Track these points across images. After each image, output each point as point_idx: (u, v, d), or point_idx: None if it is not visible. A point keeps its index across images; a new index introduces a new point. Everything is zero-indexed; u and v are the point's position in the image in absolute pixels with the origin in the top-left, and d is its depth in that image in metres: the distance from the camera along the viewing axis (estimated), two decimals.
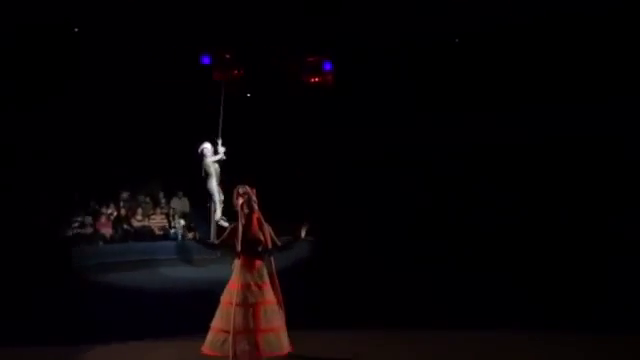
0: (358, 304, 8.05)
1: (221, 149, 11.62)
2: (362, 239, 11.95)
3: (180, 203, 13.93)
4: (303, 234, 5.34)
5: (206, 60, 12.61)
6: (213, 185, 11.65)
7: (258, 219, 5.31)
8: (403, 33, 12.35)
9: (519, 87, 12.52)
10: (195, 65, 12.44)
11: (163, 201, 13.91)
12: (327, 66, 13.43)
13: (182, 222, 13.52)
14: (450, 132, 13.00)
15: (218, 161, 11.64)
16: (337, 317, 7.01)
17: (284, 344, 5.20)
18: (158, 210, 13.74)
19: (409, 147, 13.31)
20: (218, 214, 11.64)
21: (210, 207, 12.08)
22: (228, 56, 12.85)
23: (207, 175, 11.62)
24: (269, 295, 5.21)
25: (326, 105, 13.37)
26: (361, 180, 13.18)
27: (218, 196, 11.58)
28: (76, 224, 12.57)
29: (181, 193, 13.96)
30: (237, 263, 5.26)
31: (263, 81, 13.21)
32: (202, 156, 11.62)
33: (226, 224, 11.42)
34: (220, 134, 11.59)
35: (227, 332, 5.02)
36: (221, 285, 5.44)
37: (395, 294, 8.75)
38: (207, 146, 11.66)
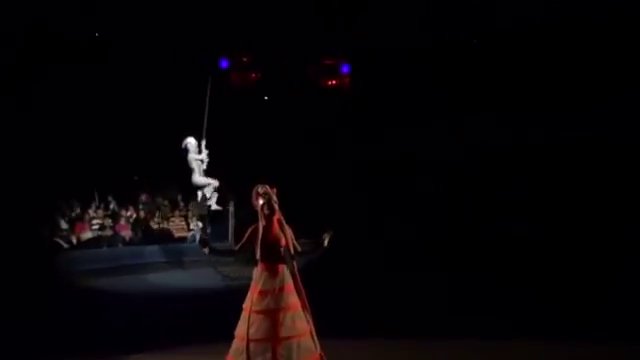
0: (366, 310, 7.95)
1: (204, 151, 11.77)
2: (377, 243, 11.88)
3: (198, 206, 13.98)
4: (326, 242, 5.02)
5: (224, 63, 12.68)
6: (197, 179, 11.79)
7: (279, 221, 4.99)
8: (420, 35, 12.31)
9: (539, 88, 12.39)
10: (214, 69, 12.48)
11: (182, 204, 14.01)
12: (344, 69, 13.42)
13: (200, 224, 13.59)
14: (469, 134, 12.90)
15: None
16: (341, 323, 6.69)
17: (312, 349, 4.84)
18: (177, 213, 13.84)
19: (427, 150, 13.23)
20: (213, 201, 11.96)
21: (228, 210, 12.10)
22: (246, 59, 12.90)
23: (191, 170, 11.80)
24: (292, 299, 4.86)
25: (343, 108, 13.34)
26: (378, 183, 13.13)
27: (209, 186, 11.82)
28: (96, 226, 12.70)
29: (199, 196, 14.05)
30: (257, 267, 4.95)
31: (280, 84, 13.25)
32: (186, 151, 11.74)
33: (219, 208, 12.08)
34: (204, 135, 11.65)
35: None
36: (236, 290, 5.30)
37: (405, 300, 8.60)
38: (191, 141, 11.75)
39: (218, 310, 7.52)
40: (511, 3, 11.40)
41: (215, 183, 12.04)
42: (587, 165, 12.04)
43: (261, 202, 4.95)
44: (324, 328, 4.96)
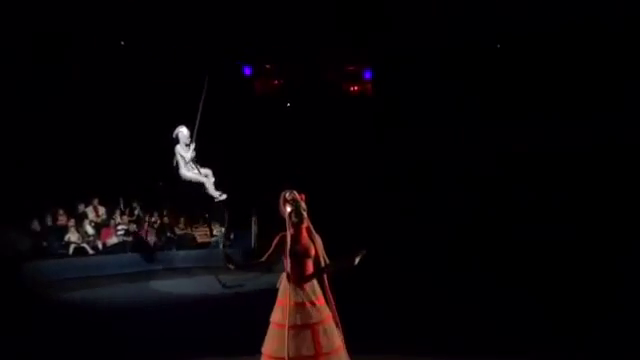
0: (393, 324, 7.59)
1: (192, 146, 10.92)
2: (399, 250, 11.80)
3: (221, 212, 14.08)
4: (357, 261, 4.57)
5: (248, 71, 12.77)
6: (185, 172, 10.97)
7: (308, 229, 4.66)
8: (443, 40, 12.27)
9: (564, 92, 12.26)
10: (238, 77, 12.53)
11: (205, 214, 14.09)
12: (367, 75, 13.43)
13: (223, 230, 13.68)
14: (492, 140, 12.81)
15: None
16: (368, 338, 6.18)
17: None
18: (200, 219, 13.93)
19: (450, 155, 13.15)
20: (212, 191, 11.18)
21: (252, 219, 11.92)
22: (269, 67, 12.98)
23: (177, 163, 10.98)
24: (326, 311, 4.54)
25: (365, 114, 13.34)
26: (401, 189, 13.08)
27: (201, 176, 11.05)
28: (121, 231, 12.86)
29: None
30: (284, 277, 4.61)
31: (303, 91, 13.30)
32: (176, 140, 10.91)
33: (224, 196, 11.32)
34: (196, 130, 10.82)
35: (281, 359, 4.39)
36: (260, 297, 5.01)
37: (432, 314, 8.19)
38: (183, 131, 10.90)
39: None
40: (534, 7, 11.29)
41: (208, 173, 11.17)
42: (613, 170, 11.87)
43: (289, 209, 4.63)
44: (352, 343, 4.68)
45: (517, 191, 12.76)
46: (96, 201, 13.05)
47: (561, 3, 11.14)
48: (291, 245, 4.56)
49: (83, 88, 12.30)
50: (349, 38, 12.61)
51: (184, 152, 10.85)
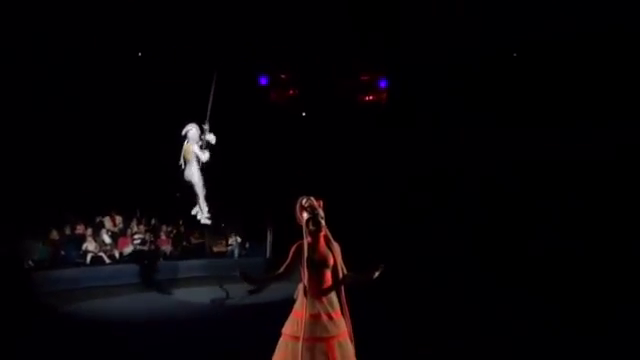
0: (411, 336, 7.59)
1: (210, 136, 10.21)
2: (416, 258, 11.75)
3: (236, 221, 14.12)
4: (376, 275, 4.36)
5: (264, 80, 12.82)
6: (193, 172, 10.21)
7: (326, 237, 4.43)
8: (458, 48, 12.24)
9: (580, 101, 12.14)
10: (253, 86, 12.55)
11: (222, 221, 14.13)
12: (382, 84, 13.43)
13: (239, 239, 13.71)
14: (508, 148, 12.71)
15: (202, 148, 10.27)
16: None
17: None
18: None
19: (465, 164, 13.08)
20: (199, 210, 10.43)
21: (267, 228, 11.74)
22: (284, 76, 13.02)
23: (185, 162, 10.24)
24: (343, 326, 4.31)
25: (380, 123, 13.33)
26: (416, 197, 13.03)
27: (201, 189, 10.33)
28: (138, 240, 12.94)
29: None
30: (301, 288, 4.38)
31: (318, 100, 13.31)
32: (184, 139, 10.23)
33: (208, 221, 10.55)
34: (208, 118, 10.17)
35: None
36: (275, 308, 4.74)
37: (451, 325, 8.15)
38: (193, 130, 10.23)
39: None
40: (550, 14, 11.22)
41: (204, 191, 10.48)
42: (632, 178, 11.72)
43: (306, 216, 4.39)
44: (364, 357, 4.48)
45: (534, 199, 12.66)
46: (113, 211, 13.17)
47: (577, 10, 11.05)
48: (308, 254, 4.34)
49: (103, 100, 12.44)
50: (364, 47, 12.61)
51: (200, 153, 10.34)
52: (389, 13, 11.92)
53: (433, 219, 12.67)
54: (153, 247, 12.87)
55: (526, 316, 8.58)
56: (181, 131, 10.32)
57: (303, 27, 11.86)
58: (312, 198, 4.46)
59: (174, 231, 13.62)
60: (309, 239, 4.39)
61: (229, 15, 11.39)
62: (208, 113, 10.13)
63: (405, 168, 13.26)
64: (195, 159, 10.25)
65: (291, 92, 13.13)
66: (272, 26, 11.71)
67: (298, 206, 4.47)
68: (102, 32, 11.49)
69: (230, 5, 11.18)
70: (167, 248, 13.16)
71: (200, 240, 13.49)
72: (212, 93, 10.14)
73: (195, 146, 10.22)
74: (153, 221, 13.48)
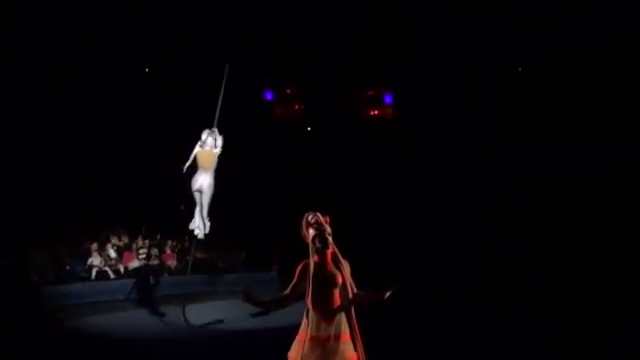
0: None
1: (219, 139, 9.63)
2: (423, 274, 11.66)
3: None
4: (387, 295, 4.14)
5: (269, 95, 12.85)
6: (206, 181, 9.55)
7: (333, 255, 4.20)
8: (463, 64, 12.27)
9: (586, 117, 12.12)
10: (259, 103, 12.56)
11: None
12: (387, 99, 13.45)
13: (243, 255, 13.67)
14: (515, 164, 12.68)
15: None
16: None
17: None
18: (220, 242, 13.91)
19: (471, 179, 13.05)
20: (198, 225, 9.77)
21: (272, 245, 11.51)
22: (289, 91, 13.06)
23: (197, 168, 9.55)
24: (348, 352, 4.04)
25: (386, 137, 13.33)
26: (423, 213, 12.98)
27: (208, 200, 9.67)
28: (143, 255, 12.90)
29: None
30: (307, 310, 4.15)
31: (323, 114, 13.34)
32: (202, 143, 9.58)
33: (201, 236, 9.92)
34: (216, 123, 9.69)
35: None
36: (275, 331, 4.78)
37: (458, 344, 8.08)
38: (210, 137, 9.64)
39: None
40: (555, 30, 11.25)
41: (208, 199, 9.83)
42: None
43: (312, 233, 4.17)
44: None
45: (542, 215, 12.60)
46: (118, 225, 13.16)
47: (581, 26, 11.09)
48: (315, 272, 4.11)
49: (107, 115, 12.49)
50: (370, 62, 12.66)
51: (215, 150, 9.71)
52: (395, 28, 11.98)
53: (438, 234, 12.61)
54: (158, 262, 12.83)
55: (536, 336, 8.50)
56: (184, 142, 9.97)
57: (308, 41, 11.92)
58: (318, 214, 4.25)
59: (179, 246, 13.59)
60: (316, 257, 4.18)
61: (235, 30, 11.47)
62: (217, 113, 9.61)
63: (411, 183, 13.23)
64: (214, 168, 9.62)
65: (296, 107, 13.16)
66: (277, 41, 11.77)
67: (304, 222, 4.27)
68: (108, 50, 11.57)
69: (236, 20, 11.23)
70: (172, 263, 13.11)
71: (205, 255, 13.46)
72: (222, 91, 9.62)
73: (215, 151, 9.60)
74: (158, 235, 13.46)
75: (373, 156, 13.25)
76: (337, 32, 11.85)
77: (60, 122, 11.99)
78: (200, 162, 9.64)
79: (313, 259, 4.18)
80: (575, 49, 11.58)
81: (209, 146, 9.59)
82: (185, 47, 11.75)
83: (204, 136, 9.68)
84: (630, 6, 10.51)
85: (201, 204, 9.78)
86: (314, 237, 4.19)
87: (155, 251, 13.03)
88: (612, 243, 11.64)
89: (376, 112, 13.48)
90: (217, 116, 9.67)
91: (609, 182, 12.00)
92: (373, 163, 13.27)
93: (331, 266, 4.20)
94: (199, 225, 9.90)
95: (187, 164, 9.65)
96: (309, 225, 4.23)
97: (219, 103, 9.66)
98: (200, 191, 9.72)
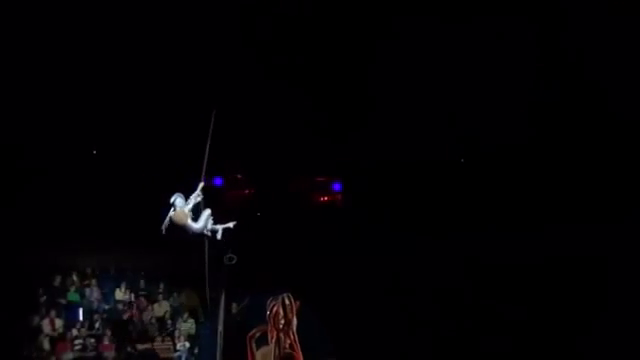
0: None
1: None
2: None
3: (186, 325, 13.55)
4: None
5: (218, 181, 12.86)
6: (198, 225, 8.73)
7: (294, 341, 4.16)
8: (410, 154, 12.73)
9: (523, 207, 12.67)
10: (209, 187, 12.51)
11: (169, 322, 13.55)
12: (336, 186, 13.70)
13: (187, 344, 13.11)
14: (461, 252, 12.96)
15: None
16: None
17: None
18: (163, 332, 13.36)
19: (418, 267, 13.21)
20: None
21: (218, 332, 11.22)
22: (240, 176, 13.11)
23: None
24: None
25: (336, 224, 13.43)
26: (371, 300, 12.92)
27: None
28: (78, 346, 12.18)
29: (186, 315, 13.62)
30: None
31: (273, 200, 13.39)
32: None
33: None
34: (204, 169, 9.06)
35: None
36: None
37: None
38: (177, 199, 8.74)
39: None
40: (498, 123, 11.93)
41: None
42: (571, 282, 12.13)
43: (279, 312, 4.10)
44: None
45: (484, 302, 12.80)
46: (53, 313, 12.44)
47: (520, 123, 11.83)
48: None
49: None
50: (318, 149, 12.95)
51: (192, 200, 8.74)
52: (342, 118, 12.41)
53: (390, 322, 12.53)
54: (95, 353, 12.14)
55: None
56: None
57: (258, 128, 12.13)
58: (288, 297, 4.21)
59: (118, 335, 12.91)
60: (273, 337, 4.08)
61: (183, 117, 11.59)
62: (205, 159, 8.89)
63: (360, 270, 13.23)
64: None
65: (247, 192, 13.19)
66: (227, 128, 11.90)
67: (270, 305, 4.21)
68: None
69: (185, 110, 11.38)
70: (110, 354, 12.40)
71: (147, 345, 12.80)
72: (209, 136, 8.89)
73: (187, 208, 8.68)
74: (97, 324, 12.78)
75: (324, 241, 13.26)
76: (286, 119, 12.15)
77: None
78: (177, 223, 8.79)
79: (272, 340, 4.10)
80: (513, 144, 12.29)
81: (179, 207, 8.80)
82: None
83: (172, 199, 8.87)
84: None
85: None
86: (276, 316, 4.11)
87: (92, 341, 12.34)
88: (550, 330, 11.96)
89: (326, 198, 13.66)
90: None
91: (540, 269, 12.45)
92: (324, 248, 13.27)
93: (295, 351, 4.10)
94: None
95: (164, 225, 8.75)
96: (276, 310, 4.17)
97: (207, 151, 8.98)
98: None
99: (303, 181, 13.66)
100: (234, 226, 8.73)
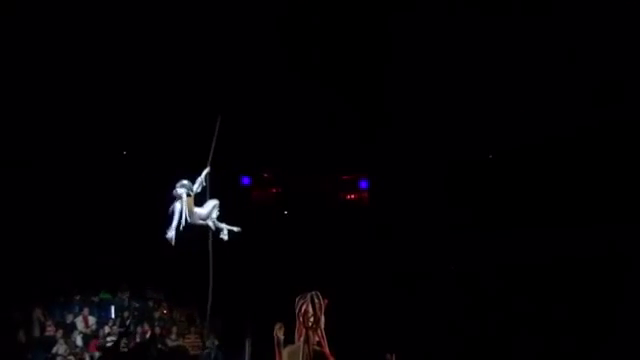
0: None
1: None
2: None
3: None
4: None
5: (246, 180, 12.93)
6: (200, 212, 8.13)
7: (322, 339, 4.13)
8: (438, 151, 12.64)
9: (561, 204, 12.48)
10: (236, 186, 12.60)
11: (198, 320, 13.71)
12: (363, 184, 13.67)
13: (216, 342, 13.23)
14: (490, 251, 12.83)
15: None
16: None
17: None
18: (192, 329, 13.51)
19: (444, 265, 13.12)
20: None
21: (245, 340, 11.17)
22: (266, 175, 13.18)
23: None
24: None
25: (362, 222, 13.41)
26: (400, 299, 12.88)
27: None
28: (110, 343, 12.37)
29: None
30: None
31: (300, 198, 13.42)
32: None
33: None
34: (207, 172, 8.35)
35: None
36: None
37: None
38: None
39: None
40: (525, 119, 11.76)
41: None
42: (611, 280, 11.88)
43: (308, 310, 4.06)
44: None
45: (517, 303, 12.64)
46: (86, 311, 12.68)
47: (553, 115, 11.65)
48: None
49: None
50: (345, 148, 12.93)
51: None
52: (370, 116, 12.37)
53: (414, 319, 12.47)
54: (126, 350, 12.29)
55: None
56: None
57: (285, 127, 12.15)
58: (317, 295, 4.17)
59: (149, 332, 13.08)
60: (301, 337, 4.07)
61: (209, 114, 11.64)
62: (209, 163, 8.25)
63: (387, 270, 13.21)
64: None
65: (273, 191, 13.25)
66: (254, 126, 11.96)
67: (298, 304, 4.19)
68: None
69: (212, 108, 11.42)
70: (140, 351, 12.55)
71: (177, 342, 12.95)
72: (214, 139, 8.23)
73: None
74: (128, 321, 12.97)
75: (351, 240, 13.27)
76: (313, 118, 12.15)
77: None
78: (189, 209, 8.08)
79: (300, 339, 4.09)
80: (549, 137, 12.10)
81: (185, 192, 7.96)
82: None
83: (178, 191, 8.03)
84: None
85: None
86: (305, 315, 4.10)
87: (124, 340, 12.52)
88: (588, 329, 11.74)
89: (352, 196, 13.66)
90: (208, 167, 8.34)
91: (578, 267, 12.23)
92: (350, 247, 13.28)
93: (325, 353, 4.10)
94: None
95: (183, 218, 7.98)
96: (305, 308, 4.16)
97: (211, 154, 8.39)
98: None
99: (330, 179, 13.65)
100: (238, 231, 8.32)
